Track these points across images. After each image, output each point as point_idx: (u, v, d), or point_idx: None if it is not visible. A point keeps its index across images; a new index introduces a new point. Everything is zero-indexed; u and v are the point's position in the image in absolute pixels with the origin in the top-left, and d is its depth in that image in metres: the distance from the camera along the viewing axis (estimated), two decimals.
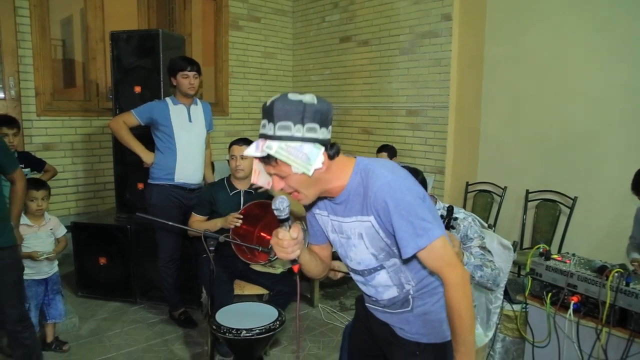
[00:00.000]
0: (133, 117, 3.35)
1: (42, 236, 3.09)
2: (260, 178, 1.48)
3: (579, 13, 4.06)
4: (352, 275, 1.68)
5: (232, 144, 3.20)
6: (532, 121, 4.41)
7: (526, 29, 4.41)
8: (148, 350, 3.22)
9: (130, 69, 3.82)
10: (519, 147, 4.53)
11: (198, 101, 3.57)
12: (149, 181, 3.47)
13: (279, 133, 1.30)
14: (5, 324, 2.52)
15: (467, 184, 4.81)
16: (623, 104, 3.83)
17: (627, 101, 3.82)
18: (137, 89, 3.80)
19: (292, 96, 1.32)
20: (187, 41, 5.02)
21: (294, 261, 1.48)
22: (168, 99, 3.44)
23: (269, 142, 1.31)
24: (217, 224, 3.05)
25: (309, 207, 1.61)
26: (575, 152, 4.11)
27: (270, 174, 1.41)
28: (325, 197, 1.54)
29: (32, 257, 2.96)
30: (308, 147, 1.32)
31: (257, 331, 2.35)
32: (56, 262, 3.20)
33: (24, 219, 2.97)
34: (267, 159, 1.35)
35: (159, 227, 3.43)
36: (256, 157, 1.38)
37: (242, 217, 2.99)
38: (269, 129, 1.32)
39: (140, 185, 3.80)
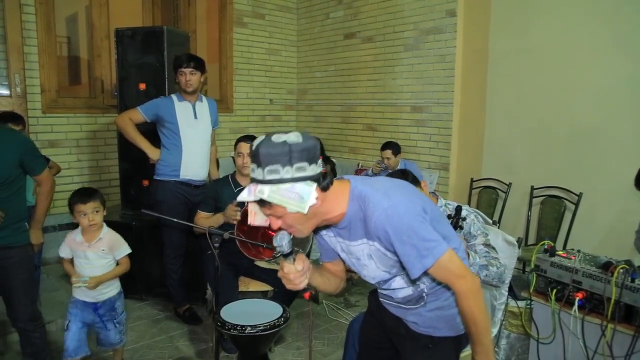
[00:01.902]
0: (139, 114, 3.37)
1: (90, 256, 2.56)
2: (257, 219, 1.48)
3: (584, 6, 4.04)
4: (368, 282, 1.69)
5: (238, 140, 3.20)
6: (537, 117, 4.39)
7: (531, 23, 4.39)
8: (153, 346, 3.24)
9: (135, 66, 3.82)
10: (523, 143, 4.52)
11: (204, 98, 3.58)
12: (155, 177, 3.48)
13: (268, 177, 1.31)
14: (17, 322, 2.54)
15: (472, 180, 4.80)
16: (629, 98, 3.81)
17: (633, 95, 3.79)
18: (142, 86, 3.81)
19: (276, 138, 1.32)
20: (191, 38, 5.03)
21: (304, 290, 1.50)
22: (173, 96, 3.45)
23: (260, 187, 1.32)
24: (219, 218, 3.06)
25: (315, 230, 1.61)
26: (581, 148, 4.10)
27: (266, 215, 1.42)
28: (328, 226, 1.54)
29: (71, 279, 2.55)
30: (300, 187, 1.32)
31: (262, 328, 2.36)
32: (112, 287, 2.66)
33: (78, 234, 2.59)
34: (262, 202, 1.35)
35: (164, 224, 3.44)
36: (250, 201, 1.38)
37: (239, 207, 2.99)
38: (258, 174, 1.32)
39: (145, 182, 3.81)
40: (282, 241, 1.43)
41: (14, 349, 3.01)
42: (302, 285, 1.48)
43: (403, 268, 1.50)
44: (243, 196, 1.35)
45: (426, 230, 1.38)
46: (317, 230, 1.62)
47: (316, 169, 1.35)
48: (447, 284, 1.49)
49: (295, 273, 1.45)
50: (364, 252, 1.51)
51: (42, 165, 2.56)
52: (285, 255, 1.45)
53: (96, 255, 2.56)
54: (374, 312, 1.86)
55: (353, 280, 4.28)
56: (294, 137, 1.32)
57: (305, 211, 1.33)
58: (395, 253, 1.43)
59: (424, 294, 1.59)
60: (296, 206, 1.32)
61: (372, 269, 1.55)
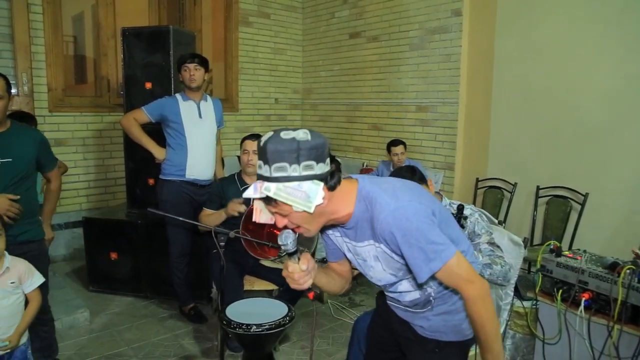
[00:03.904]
0: (143, 114, 3.37)
1: None
2: (262, 216, 1.46)
3: (590, 6, 4.02)
4: (375, 284, 1.68)
5: (244, 139, 3.22)
6: (543, 116, 4.38)
7: (537, 23, 4.37)
8: (158, 345, 3.25)
9: (141, 65, 3.83)
10: (529, 143, 4.50)
11: (208, 97, 3.58)
12: (160, 177, 3.49)
13: (275, 174, 1.28)
14: None
15: (477, 180, 4.78)
16: (635, 98, 3.79)
17: (639, 95, 3.77)
18: (148, 85, 3.82)
19: (285, 135, 1.29)
20: (197, 37, 5.04)
21: (308, 289, 1.49)
22: (178, 95, 3.46)
23: (266, 184, 1.29)
24: (221, 214, 3.07)
25: (322, 230, 1.59)
26: (587, 148, 4.08)
27: (272, 213, 1.40)
28: (335, 225, 1.53)
29: None
30: (307, 185, 1.29)
31: (267, 326, 2.36)
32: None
33: None
34: (267, 200, 1.33)
35: (169, 223, 3.45)
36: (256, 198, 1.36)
37: (243, 202, 3.00)
38: (265, 171, 1.30)
39: (151, 181, 3.82)
40: (286, 240, 1.40)
41: None
42: (307, 285, 1.46)
43: (409, 271, 1.48)
44: (249, 193, 1.33)
45: (434, 234, 1.36)
46: (323, 230, 1.60)
47: (324, 167, 1.33)
48: (455, 289, 1.47)
49: (300, 273, 1.43)
50: (370, 254, 1.49)
51: (54, 162, 2.67)
52: (290, 254, 1.43)
53: (3, 292, 2.02)
54: (381, 314, 1.84)
55: (358, 280, 4.28)
56: (302, 135, 1.29)
57: (312, 210, 1.31)
58: (401, 256, 1.41)
59: (431, 298, 1.57)
60: (302, 205, 1.30)
61: (379, 271, 1.53)
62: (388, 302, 1.74)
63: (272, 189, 1.29)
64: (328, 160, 1.35)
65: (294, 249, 1.43)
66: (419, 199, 1.41)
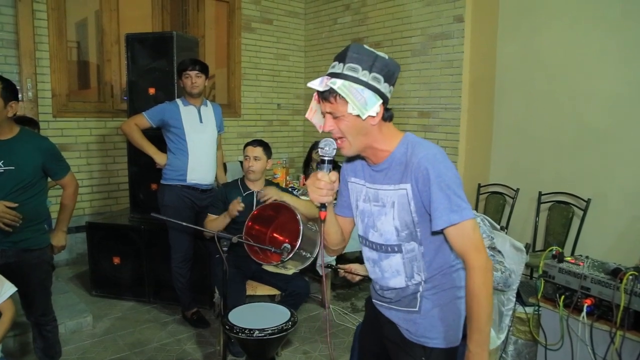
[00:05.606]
0: (144, 120, 3.39)
1: None
2: (315, 117, 1.54)
3: (592, 11, 4.03)
4: (366, 253, 1.66)
5: (246, 144, 3.24)
6: (545, 122, 4.38)
7: (539, 29, 4.38)
8: (161, 349, 3.25)
9: (145, 70, 3.86)
10: (531, 149, 4.51)
11: (208, 102, 3.60)
12: (162, 182, 3.51)
13: (346, 72, 1.38)
14: (30, 316, 2.62)
15: (479, 186, 4.79)
16: (638, 103, 3.79)
17: None
18: (152, 91, 3.84)
19: (368, 47, 1.43)
20: (200, 43, 5.06)
21: (323, 206, 1.48)
22: (178, 100, 3.48)
23: (334, 79, 1.39)
24: (225, 218, 3.08)
25: (349, 160, 1.65)
26: (589, 153, 4.08)
27: (324, 114, 1.46)
28: (366, 160, 1.57)
29: None
30: (368, 94, 1.38)
31: (270, 331, 2.37)
32: None
33: None
34: (327, 95, 1.41)
35: (171, 228, 3.46)
36: (317, 91, 1.44)
37: (242, 202, 3.01)
38: (337, 68, 1.40)
39: (154, 186, 3.84)
40: (327, 145, 1.45)
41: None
42: (327, 198, 1.45)
43: (411, 238, 1.50)
44: (314, 84, 1.41)
45: (461, 191, 1.42)
46: (347, 175, 1.66)
47: (387, 90, 1.43)
48: (461, 256, 1.46)
49: (327, 183, 1.43)
50: (390, 199, 1.51)
51: (65, 169, 2.62)
52: (324, 162, 1.45)
53: None
54: (371, 320, 1.83)
55: (360, 285, 4.28)
56: (382, 53, 1.43)
57: (364, 117, 1.39)
58: (418, 207, 1.45)
59: (417, 294, 1.56)
60: (358, 108, 1.37)
61: (388, 221, 1.53)
62: (374, 300, 1.74)
63: (337, 83, 1.38)
64: (392, 88, 1.46)
65: (330, 159, 1.46)
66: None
